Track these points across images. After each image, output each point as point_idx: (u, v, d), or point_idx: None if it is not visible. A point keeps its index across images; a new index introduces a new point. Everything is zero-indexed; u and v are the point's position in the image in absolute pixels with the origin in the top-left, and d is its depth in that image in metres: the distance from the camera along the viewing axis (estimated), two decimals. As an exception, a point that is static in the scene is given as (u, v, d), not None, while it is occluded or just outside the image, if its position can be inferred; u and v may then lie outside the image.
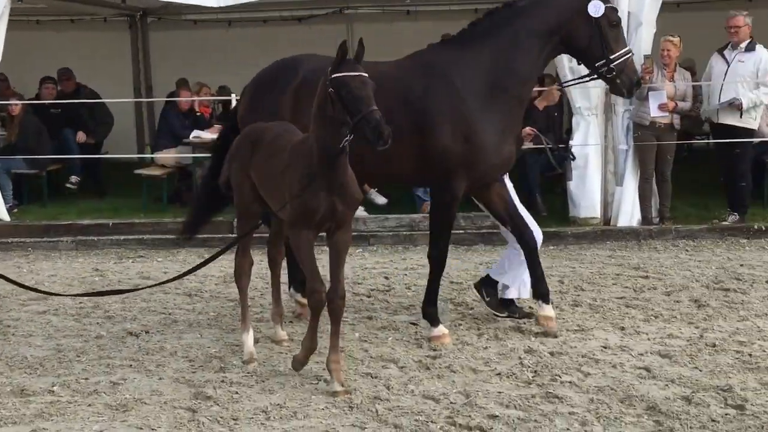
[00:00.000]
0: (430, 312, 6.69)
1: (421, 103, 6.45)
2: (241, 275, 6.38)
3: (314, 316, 5.69)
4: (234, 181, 6.18)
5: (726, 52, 10.26)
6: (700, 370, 5.84)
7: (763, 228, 9.90)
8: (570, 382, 5.69)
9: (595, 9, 6.47)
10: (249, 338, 6.28)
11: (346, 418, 5.23)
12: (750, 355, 6.10)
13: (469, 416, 5.13)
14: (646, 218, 10.19)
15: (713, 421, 5.02)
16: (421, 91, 6.49)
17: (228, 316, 7.35)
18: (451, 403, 5.38)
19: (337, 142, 5.30)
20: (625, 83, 6.67)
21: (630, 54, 6.69)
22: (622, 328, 6.77)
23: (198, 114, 13.05)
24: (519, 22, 6.57)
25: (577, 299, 7.58)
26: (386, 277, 8.64)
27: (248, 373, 5.96)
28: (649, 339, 6.51)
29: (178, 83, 13.81)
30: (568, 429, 4.99)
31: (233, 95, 11.47)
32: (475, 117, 6.42)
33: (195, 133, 12.14)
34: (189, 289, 8.31)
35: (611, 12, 6.60)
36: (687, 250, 9.49)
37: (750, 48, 10.17)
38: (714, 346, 6.29)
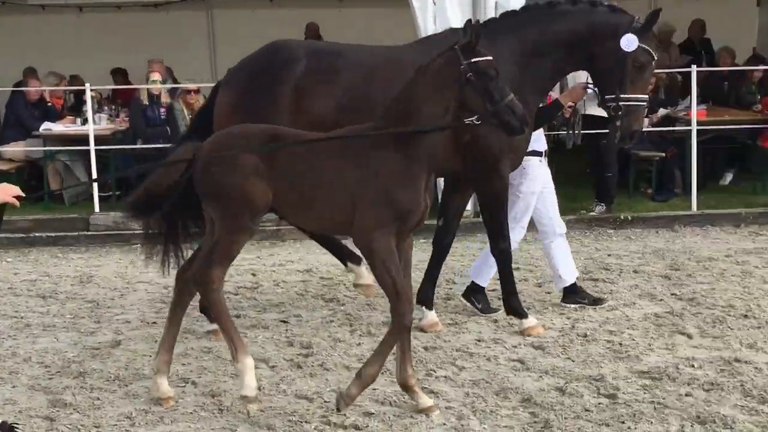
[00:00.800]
0: (515, 306, 6.71)
1: None
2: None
3: (400, 339, 5.25)
4: (231, 190, 5.23)
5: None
6: (573, 361, 6.02)
7: (629, 218, 10.26)
8: (445, 377, 5.78)
9: (628, 44, 6.34)
10: (250, 369, 5.31)
11: (216, 421, 5.17)
12: (620, 344, 6.31)
13: (344, 415, 5.15)
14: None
15: (587, 410, 5.20)
16: None
17: (86, 318, 7.16)
18: (325, 402, 5.38)
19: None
20: (623, 128, 6.52)
21: (643, 104, 6.57)
22: (495, 321, 6.90)
23: (48, 105, 12.62)
24: (554, 27, 6.50)
25: (450, 293, 7.69)
26: (253, 274, 8.57)
27: (110, 378, 5.82)
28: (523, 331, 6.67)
29: (26, 72, 13.29)
30: (444, 424, 5.08)
31: (87, 85, 11.14)
32: None
33: (45, 125, 11.74)
34: (42, 290, 8.05)
35: (642, 53, 6.41)
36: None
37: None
38: (585, 336, 6.49)
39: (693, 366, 5.89)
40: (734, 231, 9.96)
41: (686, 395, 5.41)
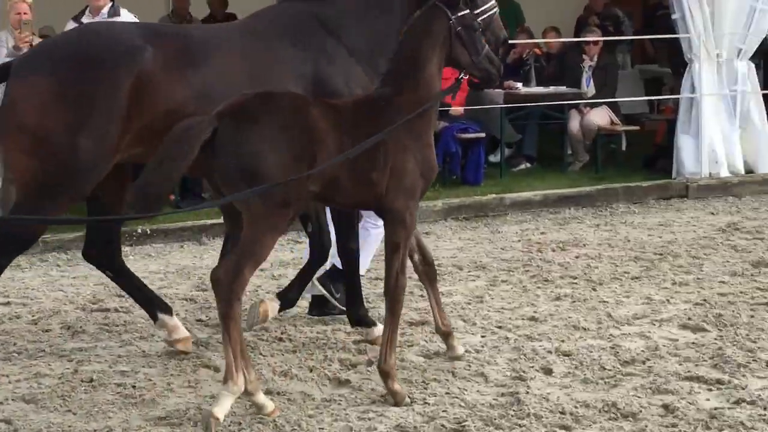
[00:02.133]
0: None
1: None
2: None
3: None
4: (271, 171, 5.29)
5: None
6: (74, 414, 5.66)
7: (147, 231, 10.10)
8: None
9: None
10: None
11: None
12: (133, 386, 6.04)
13: None
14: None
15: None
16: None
17: None
18: None
19: None
20: None
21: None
22: None
23: None
24: None
25: None
26: None
27: None
28: (10, 383, 6.20)
29: None
30: None
31: None
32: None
33: None
34: None
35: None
36: (59, 266, 9.37)
37: (113, 13, 10.26)
38: (91, 381, 6.15)
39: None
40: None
41: None
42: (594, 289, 8.08)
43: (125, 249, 9.56)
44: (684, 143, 12.31)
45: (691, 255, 9.12)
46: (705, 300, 7.63)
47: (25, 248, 6.45)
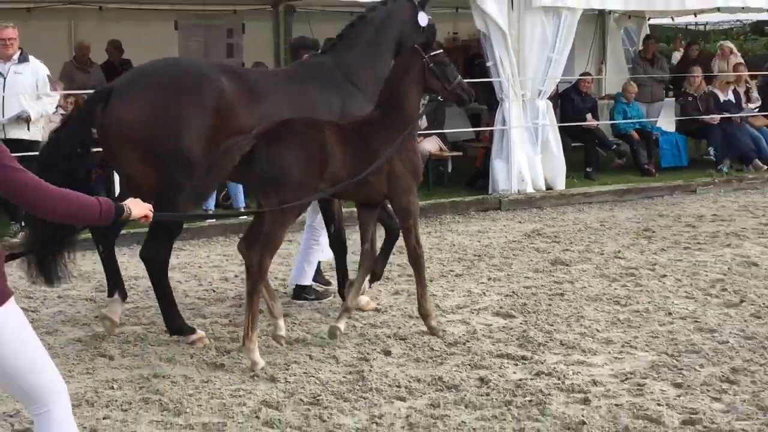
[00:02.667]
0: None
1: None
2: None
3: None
4: (296, 179, 6.01)
5: None
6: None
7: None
8: None
9: (423, 19, 7.50)
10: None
11: None
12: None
13: None
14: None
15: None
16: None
17: None
18: None
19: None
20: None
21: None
22: None
23: None
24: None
25: None
26: None
27: None
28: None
29: None
30: None
31: None
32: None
33: None
34: None
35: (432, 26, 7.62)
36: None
37: (23, 59, 10.05)
38: None
39: (113, 388, 5.66)
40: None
41: (104, 418, 5.14)
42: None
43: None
44: (497, 166, 12.56)
45: (503, 256, 9.31)
46: (513, 292, 7.81)
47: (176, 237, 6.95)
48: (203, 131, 6.42)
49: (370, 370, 5.89)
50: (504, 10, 12.04)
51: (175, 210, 5.99)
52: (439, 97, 6.99)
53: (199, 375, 5.90)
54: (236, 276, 8.44)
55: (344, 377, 5.81)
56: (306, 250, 7.71)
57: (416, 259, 6.57)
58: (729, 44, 18.19)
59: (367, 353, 6.26)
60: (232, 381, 5.79)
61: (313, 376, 5.81)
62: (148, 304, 7.58)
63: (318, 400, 5.39)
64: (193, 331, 6.59)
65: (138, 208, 3.87)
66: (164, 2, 14.95)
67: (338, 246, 7.37)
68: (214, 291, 8.05)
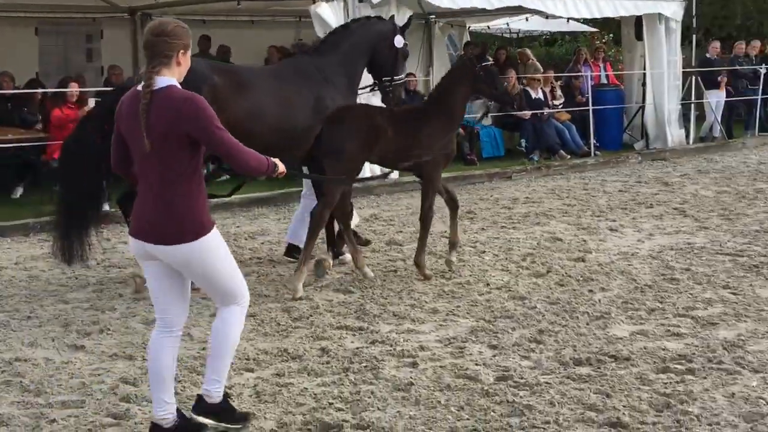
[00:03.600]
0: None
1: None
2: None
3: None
4: (353, 153, 7.08)
5: None
6: None
7: None
8: None
9: (399, 42, 7.96)
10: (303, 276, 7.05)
11: None
12: None
13: None
14: None
15: None
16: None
17: None
18: None
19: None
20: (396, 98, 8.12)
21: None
22: None
23: None
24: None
25: None
26: None
27: None
28: None
29: None
30: None
31: None
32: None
33: None
34: None
35: (405, 48, 8.11)
36: None
37: None
38: None
39: (-24, 373, 5.37)
40: (24, 240, 9.50)
41: (-34, 403, 4.91)
42: (274, 267, 8.11)
43: None
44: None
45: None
46: (352, 270, 7.82)
47: None
48: None
49: (222, 346, 5.77)
50: (341, 16, 12.02)
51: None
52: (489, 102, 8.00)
53: (60, 357, 5.66)
54: (98, 264, 8.13)
55: (198, 353, 5.69)
56: (302, 216, 7.98)
57: (425, 219, 7.38)
58: (527, 51, 18.92)
59: (220, 330, 6.14)
60: (91, 361, 5.58)
61: (169, 354, 5.65)
62: (12, 292, 7.22)
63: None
64: None
65: (281, 166, 4.33)
66: (25, 9, 14.23)
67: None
68: (76, 278, 7.73)
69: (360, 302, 6.84)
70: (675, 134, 15.99)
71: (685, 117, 16.49)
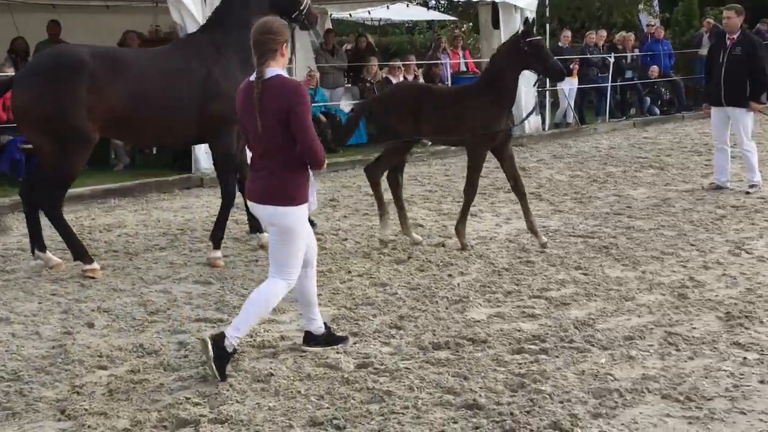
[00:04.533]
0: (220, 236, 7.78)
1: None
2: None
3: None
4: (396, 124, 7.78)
5: None
6: None
7: None
8: None
9: None
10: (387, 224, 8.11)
11: None
12: None
13: None
14: None
15: None
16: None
17: None
18: None
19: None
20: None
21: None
22: None
23: None
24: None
25: None
26: None
27: None
28: None
29: None
30: None
31: None
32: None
33: None
34: None
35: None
36: None
37: None
38: None
39: None
40: None
41: None
42: (131, 259, 7.85)
43: None
44: (199, 147, 12.27)
45: (205, 229, 9.07)
46: (206, 262, 7.65)
47: None
48: (83, 106, 6.95)
49: (73, 343, 5.56)
50: (198, 2, 11.75)
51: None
52: (539, 74, 7.87)
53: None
54: None
55: (47, 352, 5.45)
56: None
57: (468, 194, 7.89)
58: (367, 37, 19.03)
59: (71, 327, 5.91)
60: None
61: (15, 353, 5.40)
62: None
63: (19, 376, 5.02)
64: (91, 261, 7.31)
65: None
66: None
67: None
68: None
69: (220, 293, 6.71)
70: (531, 121, 16.46)
71: (541, 104, 16.99)
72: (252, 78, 4.89)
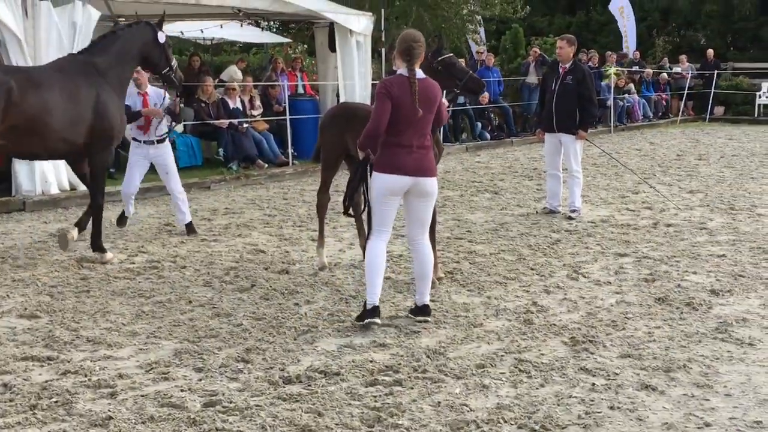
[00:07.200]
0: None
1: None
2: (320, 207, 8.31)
3: None
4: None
5: None
6: None
7: None
8: None
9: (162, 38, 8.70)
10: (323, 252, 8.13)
11: None
12: None
13: None
14: None
15: None
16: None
17: None
18: None
19: None
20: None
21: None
22: None
23: None
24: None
25: None
26: None
27: None
28: None
29: None
30: None
31: None
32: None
33: None
34: None
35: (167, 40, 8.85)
36: None
37: None
38: None
39: None
40: None
41: None
42: (-56, 292, 7.15)
43: None
44: (20, 168, 11.53)
45: (28, 257, 8.52)
46: (39, 292, 7.10)
47: None
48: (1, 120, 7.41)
49: None
50: (19, 15, 11.04)
51: None
52: (455, 90, 7.60)
53: None
54: None
55: None
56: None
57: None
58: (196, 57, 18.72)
59: None
60: None
61: None
62: None
63: None
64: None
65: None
66: None
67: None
68: None
69: (48, 328, 6.22)
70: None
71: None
72: (402, 73, 6.10)
